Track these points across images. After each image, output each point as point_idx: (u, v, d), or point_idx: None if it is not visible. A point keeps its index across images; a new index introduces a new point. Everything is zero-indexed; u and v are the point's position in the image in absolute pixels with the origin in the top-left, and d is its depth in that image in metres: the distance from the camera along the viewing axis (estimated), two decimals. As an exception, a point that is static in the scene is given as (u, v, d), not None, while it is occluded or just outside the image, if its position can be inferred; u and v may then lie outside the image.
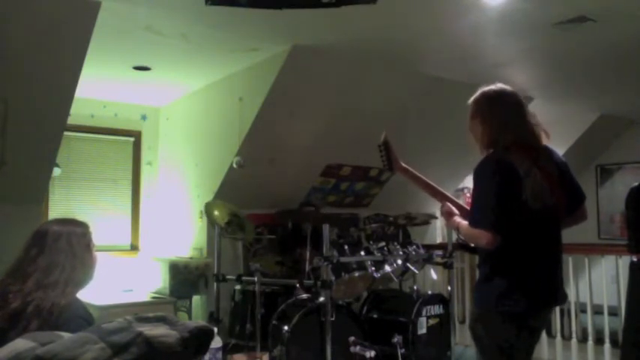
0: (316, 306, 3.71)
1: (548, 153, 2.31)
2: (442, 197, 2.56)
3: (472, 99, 2.37)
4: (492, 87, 2.34)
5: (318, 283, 3.62)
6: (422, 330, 4.15)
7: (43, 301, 1.78)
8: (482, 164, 2.24)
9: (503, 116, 2.26)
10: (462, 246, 2.73)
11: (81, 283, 1.94)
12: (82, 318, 1.83)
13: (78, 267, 1.92)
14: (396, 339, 3.91)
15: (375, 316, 4.39)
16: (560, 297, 2.32)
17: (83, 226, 2.04)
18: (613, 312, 4.75)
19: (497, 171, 2.17)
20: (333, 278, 3.63)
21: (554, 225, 2.29)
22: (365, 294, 4.52)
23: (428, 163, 5.33)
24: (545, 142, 2.32)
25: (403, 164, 2.62)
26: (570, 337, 4.89)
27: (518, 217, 2.14)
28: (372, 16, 3.49)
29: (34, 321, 1.74)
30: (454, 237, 3.14)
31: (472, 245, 2.43)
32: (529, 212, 2.14)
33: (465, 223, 2.32)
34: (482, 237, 2.16)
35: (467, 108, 2.40)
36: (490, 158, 2.23)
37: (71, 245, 1.94)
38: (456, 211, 2.46)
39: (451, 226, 2.47)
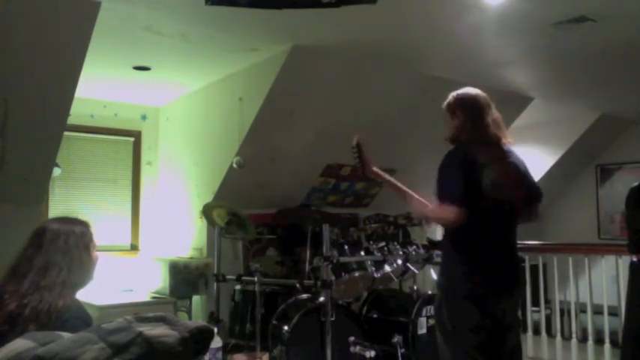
0: (316, 306, 3.71)
1: (508, 152, 2.54)
2: (410, 198, 2.66)
3: (444, 103, 2.63)
4: (460, 90, 2.63)
5: (318, 283, 3.62)
6: (422, 330, 4.15)
7: (39, 304, 1.75)
8: (448, 156, 2.47)
9: (465, 117, 2.52)
10: (433, 243, 2.89)
11: (79, 284, 1.91)
12: (80, 319, 1.80)
13: (75, 268, 1.89)
14: (396, 339, 3.91)
15: (375, 316, 4.39)
16: (518, 283, 2.54)
17: (83, 225, 2.00)
18: (613, 312, 4.75)
19: (461, 160, 2.41)
20: (333, 278, 3.63)
21: (512, 217, 2.51)
22: (365, 294, 4.53)
23: (428, 163, 5.33)
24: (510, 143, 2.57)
25: (374, 168, 2.78)
26: (570, 337, 4.89)
27: (479, 204, 2.31)
28: (372, 16, 3.49)
29: (31, 324, 1.71)
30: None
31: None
32: (488, 202, 2.33)
33: (431, 207, 2.49)
34: (449, 211, 2.33)
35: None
36: (454, 151, 2.48)
37: (68, 245, 1.90)
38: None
39: (420, 217, 2.66)
